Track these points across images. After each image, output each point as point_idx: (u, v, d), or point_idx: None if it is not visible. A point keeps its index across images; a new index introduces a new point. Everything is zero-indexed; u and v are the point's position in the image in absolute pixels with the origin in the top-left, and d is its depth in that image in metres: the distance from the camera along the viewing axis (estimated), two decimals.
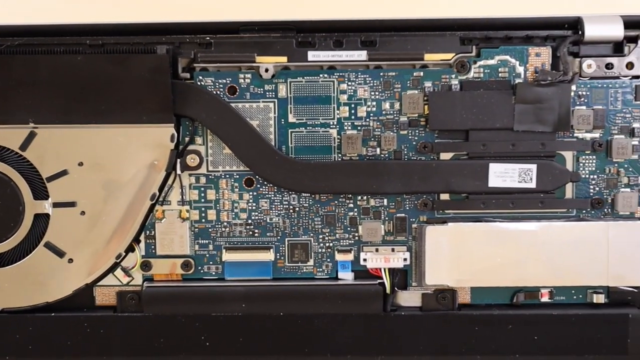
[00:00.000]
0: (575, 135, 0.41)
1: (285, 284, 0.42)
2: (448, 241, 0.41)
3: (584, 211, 0.42)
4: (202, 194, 0.42)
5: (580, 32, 0.40)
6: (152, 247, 0.42)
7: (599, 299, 0.42)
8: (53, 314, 0.41)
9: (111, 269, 0.42)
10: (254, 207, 0.42)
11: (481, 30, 0.41)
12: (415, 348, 0.42)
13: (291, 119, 0.41)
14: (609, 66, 0.41)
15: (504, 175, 0.41)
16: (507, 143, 0.41)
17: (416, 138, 0.41)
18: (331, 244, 0.42)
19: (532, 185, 0.41)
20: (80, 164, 0.41)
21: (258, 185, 0.42)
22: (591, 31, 0.40)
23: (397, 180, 0.41)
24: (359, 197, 0.42)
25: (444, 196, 0.42)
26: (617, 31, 0.40)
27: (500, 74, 0.41)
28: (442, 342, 0.42)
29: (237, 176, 0.42)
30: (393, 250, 0.42)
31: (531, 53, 0.41)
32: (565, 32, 0.41)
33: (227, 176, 0.42)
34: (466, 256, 0.41)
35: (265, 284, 0.42)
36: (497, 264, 0.41)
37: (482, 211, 0.41)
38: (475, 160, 0.41)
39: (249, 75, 0.41)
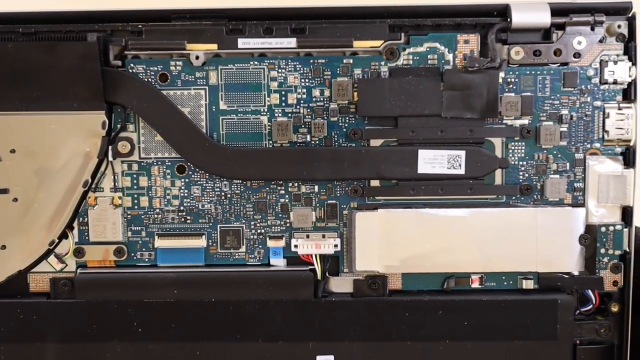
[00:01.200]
0: (504, 121, 0.42)
1: (217, 270, 0.42)
2: (378, 227, 0.42)
3: (514, 197, 0.42)
4: (135, 181, 0.42)
5: (508, 20, 0.40)
6: (85, 234, 0.42)
7: (529, 284, 0.42)
8: None
9: (44, 256, 0.42)
10: (186, 194, 0.42)
11: (410, 18, 0.41)
12: (347, 334, 0.42)
13: (222, 106, 0.42)
14: (537, 53, 0.41)
15: (433, 161, 0.41)
16: (436, 129, 0.41)
17: (346, 125, 0.42)
18: (263, 231, 0.42)
19: (461, 171, 0.41)
20: (13, 151, 0.41)
21: (190, 172, 0.42)
22: (518, 18, 0.40)
23: (327, 167, 0.41)
24: (290, 184, 0.42)
25: (375, 182, 0.42)
26: (544, 18, 0.40)
27: (429, 61, 0.41)
28: (373, 328, 0.42)
29: (169, 163, 0.42)
30: (324, 236, 0.42)
31: (460, 40, 0.41)
32: (494, 19, 0.41)
33: (159, 163, 0.42)
34: (396, 242, 0.42)
35: (197, 270, 0.42)
36: (427, 250, 0.42)
37: (412, 197, 0.42)
38: (405, 146, 0.41)
39: (180, 63, 0.41)
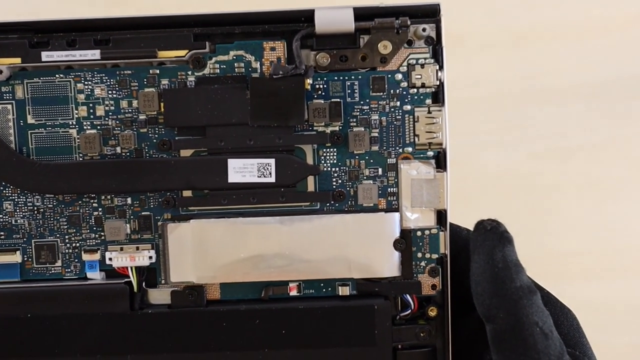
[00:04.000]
0: (314, 128, 0.41)
1: (32, 285, 0.42)
2: (191, 238, 0.41)
3: (327, 204, 0.42)
4: None
5: (313, 25, 0.40)
6: None
7: (345, 291, 0.42)
8: None
9: None
10: None
11: (215, 26, 0.41)
12: (165, 346, 0.42)
13: (30, 120, 0.41)
14: (343, 58, 0.41)
15: (243, 170, 0.41)
16: (244, 138, 0.41)
17: (156, 136, 0.41)
18: (78, 244, 0.42)
19: (272, 179, 0.41)
20: None
21: (1, 188, 0.41)
22: (322, 24, 0.40)
23: (138, 179, 0.41)
24: (103, 197, 0.42)
25: (187, 193, 0.42)
26: (348, 23, 0.40)
27: (236, 69, 0.41)
28: (191, 338, 0.42)
29: None
30: (138, 248, 0.42)
31: (266, 47, 0.41)
32: (300, 25, 0.41)
33: None
34: (210, 252, 0.41)
35: (12, 286, 0.42)
36: (243, 259, 0.42)
37: (224, 207, 0.42)
38: (214, 156, 0.41)
39: None
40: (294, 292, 0.42)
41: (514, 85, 0.72)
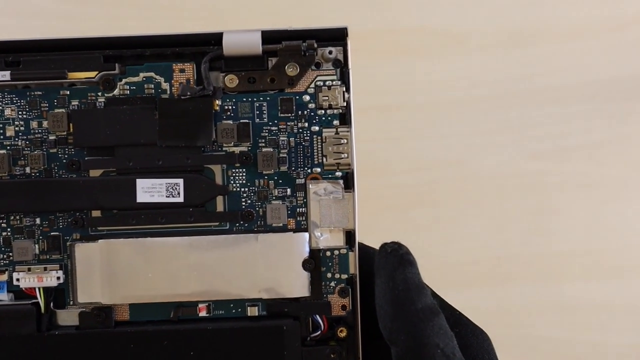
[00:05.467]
0: (223, 149, 0.42)
1: None
2: (99, 258, 0.41)
3: (237, 224, 0.42)
4: None
5: (222, 48, 0.41)
6: None
7: (254, 311, 0.42)
8: None
9: None
10: None
11: (127, 48, 0.41)
12: None
13: None
14: (251, 80, 0.41)
15: (151, 190, 0.41)
16: (153, 158, 0.41)
17: (66, 156, 0.41)
18: None
19: (180, 199, 0.41)
20: None
21: None
22: (230, 46, 0.41)
23: (47, 199, 0.41)
24: (12, 217, 0.42)
25: (96, 213, 0.42)
26: (255, 46, 0.41)
27: (146, 91, 0.41)
28: None
29: None
30: (46, 269, 0.42)
31: (175, 69, 0.41)
32: (209, 48, 0.41)
33: None
34: (119, 273, 0.41)
35: None
36: (152, 280, 0.41)
37: (133, 227, 0.42)
38: (123, 176, 0.41)
39: None
40: (203, 313, 0.42)
41: (514, 85, 0.72)
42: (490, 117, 0.72)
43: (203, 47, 0.41)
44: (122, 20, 0.70)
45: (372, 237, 0.72)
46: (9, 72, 0.41)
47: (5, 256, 0.42)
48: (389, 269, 0.38)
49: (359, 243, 0.42)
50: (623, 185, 0.73)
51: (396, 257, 0.38)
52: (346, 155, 0.42)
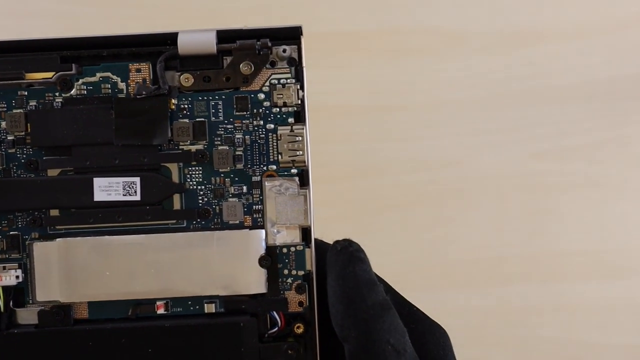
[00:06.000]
0: (180, 147, 0.42)
1: None
2: (58, 257, 0.42)
3: (194, 222, 0.42)
4: None
5: (177, 47, 0.41)
6: None
7: (211, 308, 0.42)
8: None
9: None
10: None
11: (83, 49, 0.42)
12: None
13: None
14: (207, 79, 0.42)
15: (108, 189, 0.42)
16: (110, 157, 0.42)
17: (24, 156, 0.42)
18: None
19: (137, 197, 0.42)
20: None
21: None
22: (184, 46, 0.41)
23: (5, 198, 0.41)
24: None
25: (55, 212, 0.42)
26: (210, 45, 0.41)
27: (103, 91, 0.42)
28: (58, 359, 0.41)
29: None
30: (5, 268, 0.42)
31: (132, 69, 0.42)
32: (165, 47, 0.42)
33: None
34: (77, 271, 0.42)
35: None
36: (110, 278, 0.42)
37: (91, 226, 0.42)
38: (80, 175, 0.42)
39: None
40: (161, 311, 0.42)
41: (514, 85, 0.73)
42: (490, 117, 0.72)
43: (159, 47, 0.42)
44: (122, 21, 0.71)
45: (372, 237, 0.73)
46: None
47: None
48: (339, 267, 0.38)
49: (316, 239, 0.43)
50: (623, 185, 0.73)
51: (346, 254, 0.38)
52: (301, 152, 0.42)
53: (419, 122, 0.73)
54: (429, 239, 0.73)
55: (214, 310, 0.42)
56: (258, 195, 0.42)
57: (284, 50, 0.42)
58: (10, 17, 0.72)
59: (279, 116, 0.42)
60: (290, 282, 0.42)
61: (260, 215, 0.42)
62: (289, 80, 0.42)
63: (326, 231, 0.66)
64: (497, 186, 0.73)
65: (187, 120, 0.42)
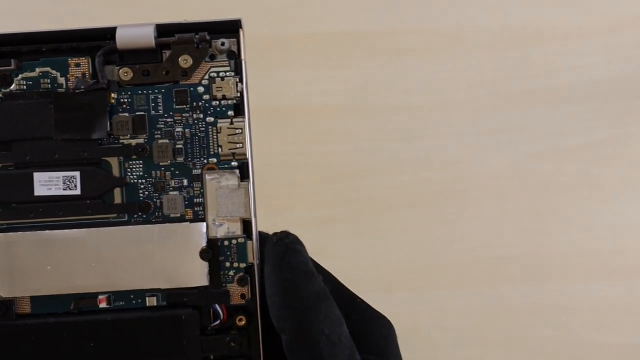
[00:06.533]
0: (120, 141, 0.42)
1: None
2: None
3: (135, 215, 0.42)
4: None
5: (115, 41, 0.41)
6: None
7: (152, 301, 0.42)
8: None
9: None
10: None
11: (23, 44, 0.42)
12: None
13: None
14: (146, 73, 0.42)
15: (49, 183, 0.42)
16: (50, 152, 0.42)
17: None
18: None
19: (77, 192, 0.42)
20: None
21: None
22: (123, 40, 0.41)
23: None
24: None
25: None
26: (148, 39, 0.42)
27: (42, 86, 0.42)
28: (0, 354, 0.42)
29: None
30: None
31: (71, 64, 0.42)
32: (104, 42, 0.42)
33: None
34: (19, 266, 0.42)
35: None
36: (51, 273, 0.42)
37: (31, 220, 0.42)
38: (20, 170, 0.42)
39: None
40: (103, 304, 0.42)
41: (514, 85, 0.73)
42: (490, 117, 0.73)
43: (99, 41, 0.42)
44: (122, 21, 0.71)
45: (372, 237, 0.73)
46: None
47: None
48: (275, 258, 0.38)
49: (260, 232, 0.43)
50: (623, 185, 0.73)
51: (282, 245, 0.39)
52: (241, 145, 0.42)
53: (419, 122, 0.73)
54: (428, 239, 0.73)
55: (155, 304, 0.42)
56: (199, 189, 0.42)
57: (222, 44, 0.42)
58: (10, 17, 0.72)
59: (218, 109, 0.42)
60: (232, 274, 0.42)
61: (201, 208, 0.42)
62: (227, 74, 0.42)
63: (326, 231, 0.67)
64: (497, 186, 0.73)
65: (126, 114, 0.42)
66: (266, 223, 0.73)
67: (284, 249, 0.39)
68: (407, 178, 0.74)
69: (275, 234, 0.40)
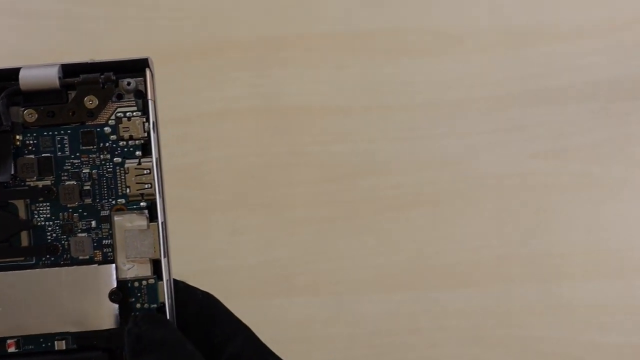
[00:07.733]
0: (26, 183, 0.42)
1: None
2: None
3: (43, 258, 0.42)
4: None
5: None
6: None
7: (61, 345, 0.42)
8: None
9: None
10: None
11: None
12: None
13: None
14: (51, 114, 0.41)
15: None
16: None
17: None
18: None
19: None
20: None
21: None
22: (26, 81, 0.41)
23: None
24: None
25: None
26: (53, 80, 0.41)
27: None
28: None
29: None
30: None
31: None
32: (10, 83, 0.41)
33: None
34: None
35: None
36: None
37: None
38: None
39: None
40: (12, 349, 0.42)
41: (514, 85, 0.72)
42: (490, 117, 0.72)
43: (3, 82, 0.41)
44: (122, 21, 0.71)
45: (372, 237, 0.73)
46: None
47: None
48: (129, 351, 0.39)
49: (175, 280, 0.42)
50: (623, 185, 0.73)
51: (133, 336, 0.39)
52: (149, 185, 0.41)
53: (419, 122, 0.73)
54: (429, 239, 0.73)
55: (64, 347, 0.42)
56: (107, 230, 0.42)
57: (128, 83, 0.41)
58: (11, 17, 0.73)
59: (126, 149, 0.41)
60: None
61: (110, 250, 0.42)
62: (135, 113, 0.41)
63: (326, 231, 0.66)
64: (497, 186, 0.73)
65: (32, 156, 0.41)
66: (266, 223, 0.73)
67: (135, 340, 0.38)
68: (407, 178, 0.73)
69: (133, 316, 0.40)
